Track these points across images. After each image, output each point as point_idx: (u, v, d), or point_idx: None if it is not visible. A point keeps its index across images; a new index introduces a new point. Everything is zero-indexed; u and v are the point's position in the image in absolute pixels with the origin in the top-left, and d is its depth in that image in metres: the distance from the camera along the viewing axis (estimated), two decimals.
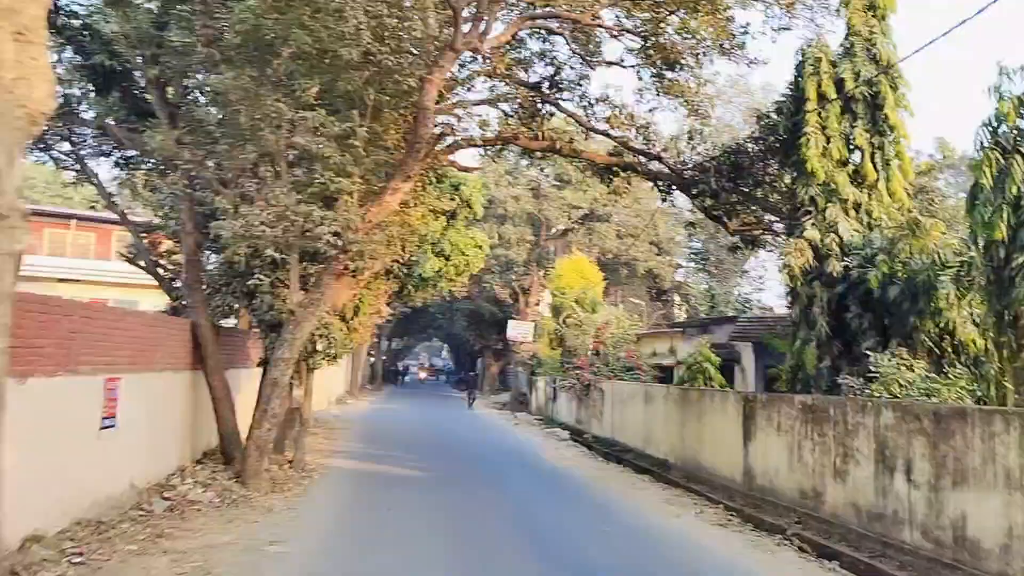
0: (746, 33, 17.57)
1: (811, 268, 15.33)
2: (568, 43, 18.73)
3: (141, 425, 13.27)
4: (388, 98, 15.55)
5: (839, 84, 15.83)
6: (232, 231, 13.93)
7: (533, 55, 19.77)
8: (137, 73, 16.04)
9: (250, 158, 14.49)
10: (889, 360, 13.25)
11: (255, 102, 13.87)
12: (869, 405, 12.02)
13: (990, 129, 11.01)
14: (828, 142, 15.71)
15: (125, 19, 14.80)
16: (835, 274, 14.84)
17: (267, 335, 16.98)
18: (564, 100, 19.85)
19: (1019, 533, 8.91)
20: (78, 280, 32.62)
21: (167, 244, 18.86)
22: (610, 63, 19.33)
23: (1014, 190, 10.56)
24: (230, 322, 20.92)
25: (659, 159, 19.63)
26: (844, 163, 15.89)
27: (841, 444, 12.52)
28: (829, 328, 15.05)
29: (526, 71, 19.69)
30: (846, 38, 16.16)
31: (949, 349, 13.63)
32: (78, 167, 17.24)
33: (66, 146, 17.25)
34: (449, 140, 18.42)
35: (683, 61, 18.44)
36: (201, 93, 16.66)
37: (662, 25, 17.79)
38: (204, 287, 17.00)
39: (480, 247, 31.72)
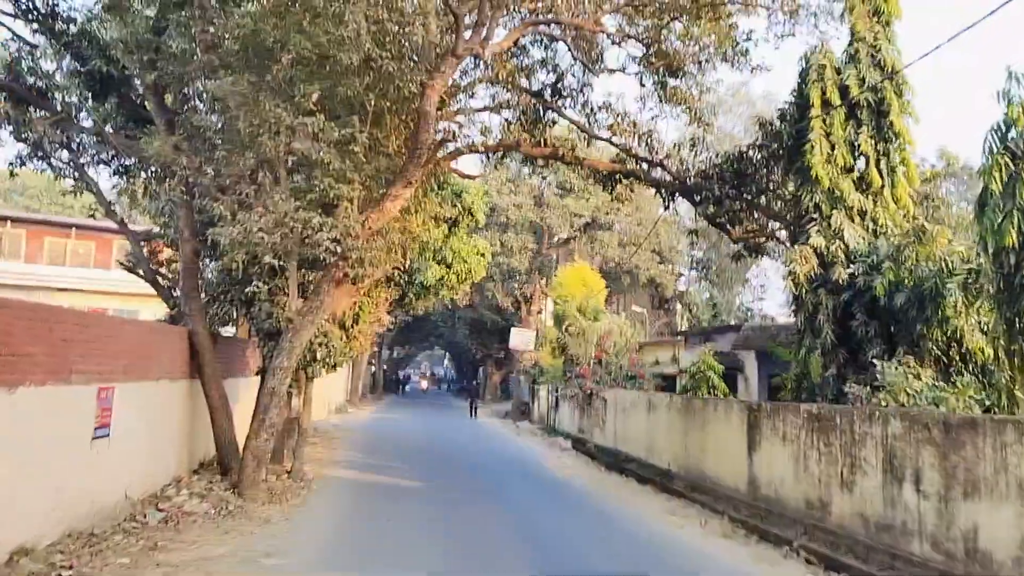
0: (749, 40, 17.44)
1: (816, 275, 15.16)
2: (570, 50, 18.58)
3: (136, 435, 13.13)
4: (389, 104, 15.42)
5: (843, 90, 15.67)
6: (230, 238, 13.78)
7: (535, 62, 19.62)
8: (135, 80, 15.91)
9: (249, 164, 14.35)
10: (896, 369, 13.04)
11: (254, 108, 13.74)
12: (877, 414, 11.82)
13: (999, 134, 10.80)
14: (833, 148, 15.54)
15: (123, 24, 14.69)
16: (841, 281, 14.64)
17: (265, 343, 16.83)
18: (566, 107, 19.69)
19: None
20: (78, 289, 32.64)
21: (167, 253, 18.72)
22: (612, 70, 19.17)
23: None
24: (229, 331, 20.78)
25: (662, 166, 19.45)
26: (849, 170, 15.71)
27: (848, 454, 12.32)
28: (834, 336, 14.85)
29: (528, 78, 19.52)
30: (850, 44, 16.01)
31: (956, 357, 13.42)
32: (77, 175, 17.07)
33: (65, 154, 17.06)
34: (451, 147, 18.26)
35: (686, 68, 18.29)
36: (200, 99, 16.54)
37: (664, 32, 17.65)
38: (202, 295, 16.85)
39: (482, 255, 31.45)
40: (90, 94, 16.38)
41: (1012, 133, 10.79)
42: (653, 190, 23.26)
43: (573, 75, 19.65)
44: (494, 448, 29.88)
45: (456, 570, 11.26)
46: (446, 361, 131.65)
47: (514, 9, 17.16)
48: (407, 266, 20.48)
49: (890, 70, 15.37)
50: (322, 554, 11.58)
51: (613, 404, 26.69)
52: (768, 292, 57.46)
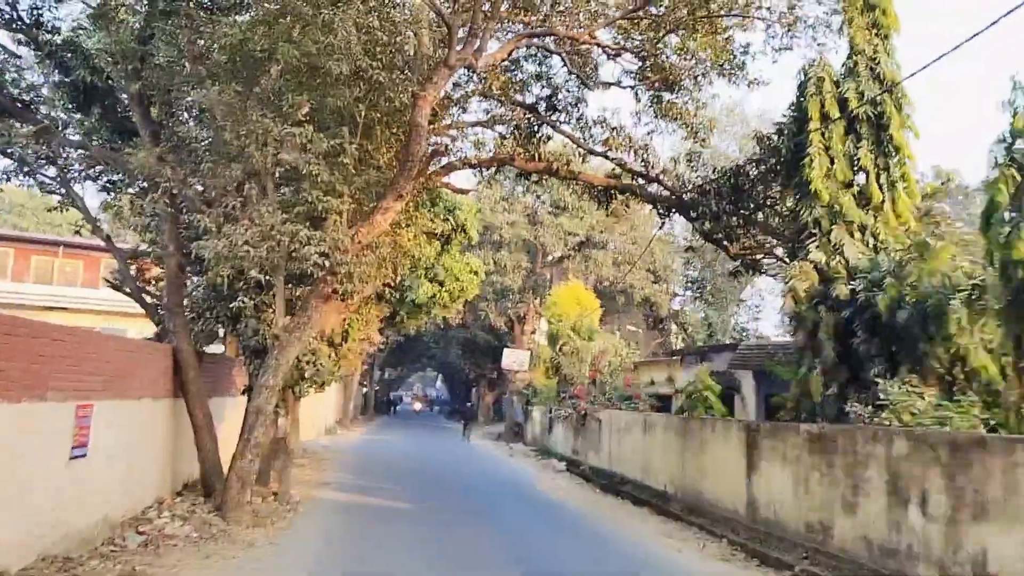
0: (746, 53, 17.22)
1: (816, 292, 14.82)
2: (565, 63, 18.33)
3: (116, 455, 12.73)
4: (379, 115, 15.16)
5: (843, 104, 15.39)
6: (215, 251, 13.46)
7: (530, 76, 19.38)
8: (120, 91, 15.60)
9: (235, 176, 14.04)
10: (899, 387, 12.70)
11: (241, 118, 13.44)
12: (880, 434, 11.51)
13: (1005, 145, 10.53)
14: (832, 163, 15.25)
15: (107, 34, 14.40)
16: (841, 298, 14.30)
17: (252, 361, 16.47)
18: (561, 122, 19.43)
19: None
20: (65, 308, 32.24)
21: (155, 271, 18.35)
22: (608, 84, 18.92)
23: None
24: (217, 348, 20.40)
25: (658, 181, 19.19)
26: (849, 184, 15.41)
27: (851, 475, 12.02)
28: (835, 354, 14.49)
29: (522, 92, 19.26)
30: (849, 57, 15.75)
31: (960, 376, 13.05)
32: (63, 191, 16.72)
33: (51, 170, 16.72)
34: (443, 161, 17.98)
35: (682, 83, 18.05)
36: (186, 110, 16.22)
37: (660, 45, 17.41)
38: (187, 311, 16.48)
39: (475, 273, 31.25)
40: (74, 106, 16.06)
41: (1019, 144, 10.52)
42: (648, 207, 23.05)
43: (568, 90, 19.44)
44: (486, 469, 29.47)
45: None
46: (439, 382, 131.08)
47: (508, 21, 16.90)
48: (398, 283, 20.16)
49: (889, 83, 15.11)
50: None
51: (608, 425, 26.37)
52: (763, 312, 57.31)
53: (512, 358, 45.52)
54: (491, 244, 47.24)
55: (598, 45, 17.69)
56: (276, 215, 13.69)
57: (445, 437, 49.77)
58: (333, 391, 41.63)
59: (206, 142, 15.33)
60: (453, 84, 18.06)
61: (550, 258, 51.65)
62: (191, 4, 14.55)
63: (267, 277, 14.70)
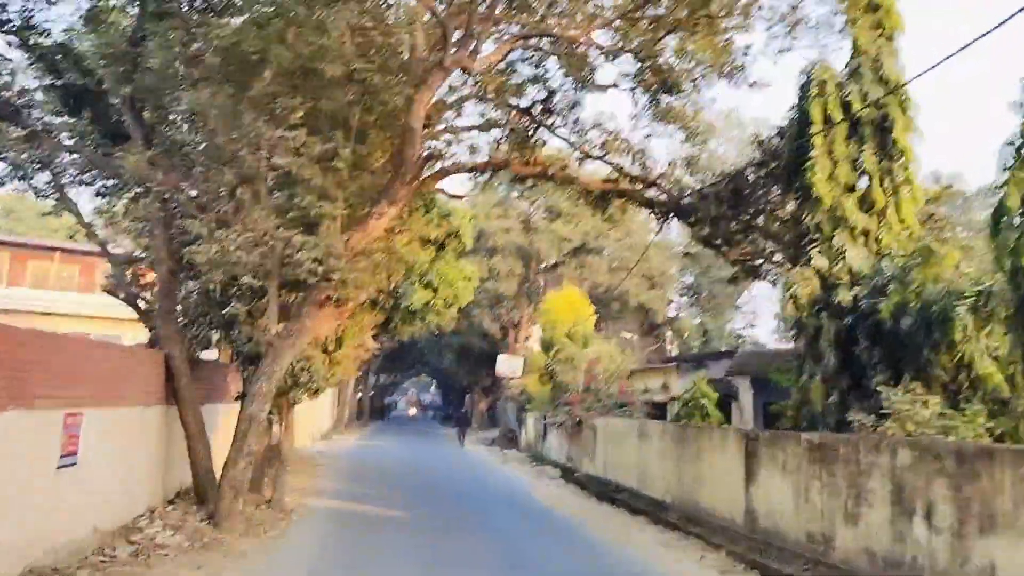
0: (747, 55, 17.03)
1: (818, 298, 14.60)
2: (562, 65, 18.12)
3: (106, 463, 12.51)
4: (374, 119, 14.98)
5: (845, 106, 15.15)
6: (207, 257, 13.28)
7: (526, 79, 19.15)
8: (112, 94, 15.37)
9: (228, 180, 13.82)
10: (903, 396, 12.50)
11: (234, 122, 13.23)
12: (884, 444, 11.31)
13: (1014, 148, 10.34)
14: (835, 166, 15.01)
15: (99, 36, 14.21)
16: (844, 304, 14.09)
17: (245, 368, 16.26)
18: (557, 126, 19.20)
19: None
20: (61, 314, 31.95)
21: (151, 277, 18.12)
22: (605, 87, 18.71)
23: None
24: (212, 355, 20.18)
25: (656, 185, 18.97)
26: (851, 188, 15.18)
27: (853, 485, 11.80)
28: (837, 361, 14.28)
29: (518, 95, 19.04)
30: (852, 58, 15.51)
31: (965, 384, 12.85)
32: (57, 196, 16.49)
33: (46, 175, 16.50)
34: (437, 165, 17.77)
35: (680, 85, 17.84)
36: (178, 114, 16.01)
37: (659, 47, 17.22)
38: (180, 317, 16.25)
39: (469, 279, 31.03)
40: (65, 109, 15.85)
41: None
42: (645, 213, 22.83)
43: (564, 93, 19.24)
44: (481, 476, 29.24)
45: None
46: (433, 388, 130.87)
47: (504, 22, 16.69)
48: (392, 289, 19.93)
49: (893, 85, 14.90)
50: None
51: (603, 432, 26.17)
52: (759, 319, 57.24)
53: (506, 365, 45.40)
54: (485, 250, 47.08)
55: (595, 46, 17.48)
56: (269, 220, 13.53)
57: (439, 443, 49.57)
58: (327, 397, 41.43)
59: (199, 146, 15.11)
60: (448, 87, 17.88)
61: (544, 264, 51.49)
62: (183, 6, 14.35)
63: (260, 283, 14.49)
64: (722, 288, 51.59)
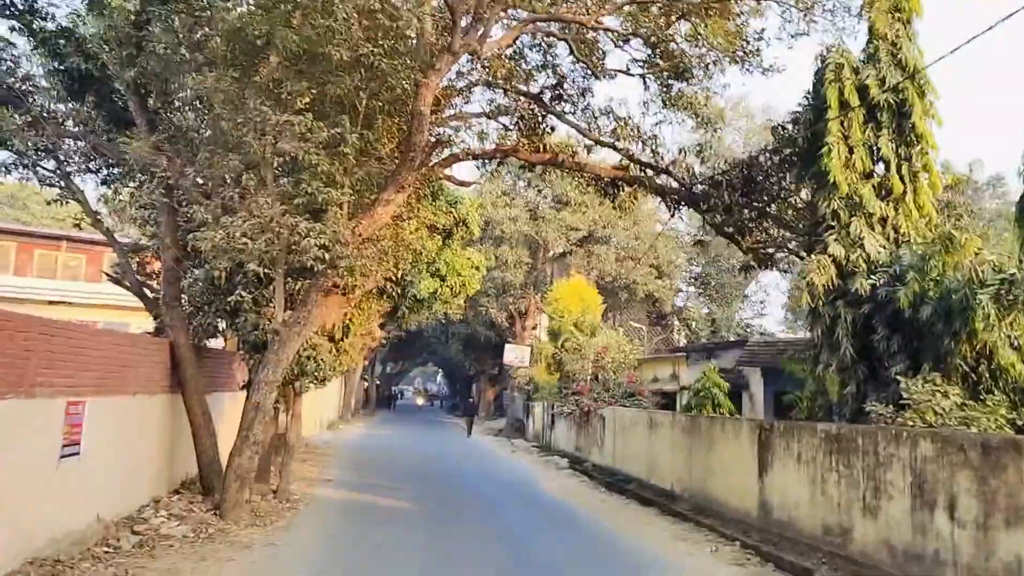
0: (761, 39, 16.69)
1: (834, 287, 14.30)
2: (572, 51, 17.82)
3: (110, 453, 12.36)
4: (381, 104, 14.73)
5: (862, 91, 14.82)
6: (212, 243, 13.07)
7: (535, 66, 18.88)
8: (115, 79, 15.14)
9: (233, 166, 13.59)
10: (922, 386, 12.24)
11: (239, 106, 13.00)
12: (904, 435, 11.06)
13: None
14: (851, 152, 14.68)
15: (102, 19, 13.98)
16: (861, 293, 13.79)
17: (251, 356, 16.04)
18: (567, 112, 18.92)
19: None
20: (68, 303, 31.89)
21: (157, 265, 17.95)
22: (615, 72, 18.42)
23: None
24: (217, 343, 19.99)
25: (668, 172, 18.67)
26: (868, 175, 14.87)
27: (872, 477, 11.58)
28: (854, 351, 14.00)
29: (527, 82, 18.76)
30: (869, 42, 15.19)
31: (986, 374, 12.60)
32: (63, 184, 16.28)
33: (51, 163, 16.30)
34: (445, 152, 17.52)
35: (692, 71, 17.55)
36: (183, 99, 15.77)
37: (670, 31, 16.92)
38: (185, 305, 16.05)
39: (477, 268, 30.79)
40: (68, 94, 15.64)
41: None
42: (653, 202, 22.58)
43: (574, 80, 18.96)
44: (488, 467, 29.03)
45: None
46: (439, 377, 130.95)
47: (513, 6, 16.40)
48: (399, 277, 19.68)
49: (911, 69, 14.57)
50: None
51: (612, 422, 25.97)
52: (768, 308, 56.97)
53: (513, 354, 45.26)
54: (492, 239, 46.82)
55: (606, 30, 17.18)
56: (275, 207, 13.31)
57: (446, 432, 49.40)
58: (334, 386, 41.27)
59: (204, 132, 14.89)
60: (456, 72, 17.62)
61: (552, 253, 51.23)
62: None
63: (266, 270, 14.27)
64: (730, 278, 51.34)
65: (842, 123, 14.79)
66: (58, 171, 16.35)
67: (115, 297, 28.12)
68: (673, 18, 16.47)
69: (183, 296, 16.00)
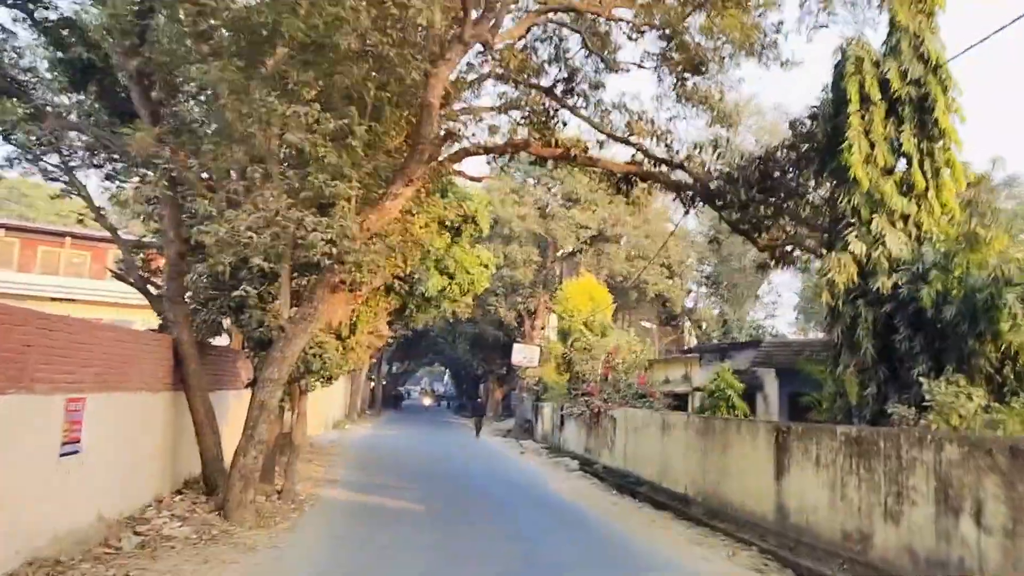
0: (778, 32, 16.34)
1: (854, 285, 13.92)
2: (585, 42, 17.49)
3: (111, 451, 12.10)
4: (389, 96, 14.39)
5: (883, 85, 14.42)
6: (216, 237, 12.72)
7: (546, 61, 18.57)
8: (118, 70, 14.87)
9: (238, 158, 13.28)
10: (945, 388, 11.87)
11: (244, 97, 12.68)
12: (929, 438, 10.73)
13: None
14: (872, 148, 14.27)
15: (104, 7, 13.69)
16: (882, 292, 13.42)
17: (256, 353, 15.80)
18: (579, 106, 18.60)
19: None
20: (72, 299, 31.80)
21: (162, 262, 17.70)
22: (628, 66, 18.08)
23: None
24: (222, 340, 19.75)
25: (682, 168, 18.32)
26: (890, 171, 14.45)
27: (894, 481, 11.25)
28: (874, 352, 13.62)
29: (538, 75, 18.43)
30: (890, 35, 14.78)
31: (1011, 376, 12.23)
32: (66, 179, 16.03)
33: (54, 158, 16.05)
34: (455, 147, 17.21)
35: (707, 64, 17.20)
36: (186, 91, 15.50)
37: (685, 24, 16.58)
38: (189, 301, 15.78)
39: (486, 266, 30.47)
40: (70, 84, 15.37)
41: None
42: (664, 200, 22.25)
43: (586, 74, 18.64)
44: (497, 468, 28.77)
45: None
46: (446, 377, 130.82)
47: None
48: (408, 274, 19.39)
49: (935, 63, 14.18)
50: None
51: (623, 423, 25.68)
52: (779, 309, 56.65)
53: (522, 354, 45.01)
54: (501, 237, 46.53)
55: (620, 20, 16.84)
56: (281, 200, 12.99)
57: (454, 433, 49.18)
58: (340, 385, 41.07)
59: (208, 123, 14.61)
60: (466, 64, 17.32)
61: (561, 252, 50.90)
62: None
63: (272, 266, 13.98)
64: (742, 278, 50.98)
65: (863, 117, 14.41)
66: (62, 165, 16.10)
67: (120, 294, 28.03)
68: (688, 9, 16.09)
69: (187, 292, 15.74)
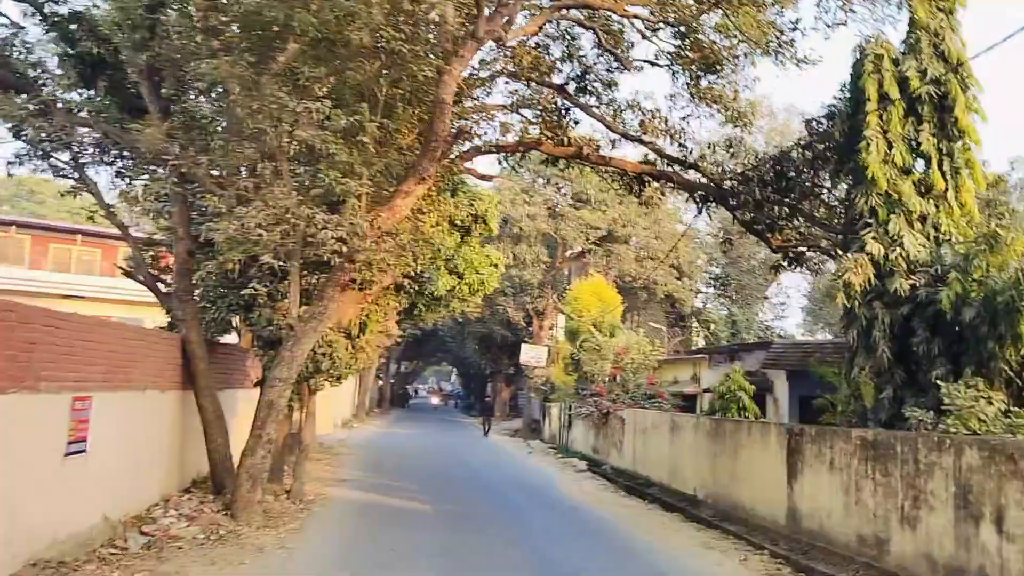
0: (796, 29, 16.15)
1: (871, 287, 13.71)
2: (599, 39, 17.33)
3: (118, 450, 12.00)
4: (402, 92, 14.28)
5: (902, 83, 14.18)
6: (226, 234, 12.63)
7: (559, 59, 18.41)
8: (128, 65, 14.75)
9: (248, 155, 13.17)
10: (964, 391, 11.68)
11: (255, 93, 12.56)
12: (948, 443, 10.54)
13: None
14: (890, 147, 14.02)
15: (114, 2, 13.60)
16: (900, 294, 13.22)
17: (265, 352, 15.67)
18: (592, 105, 18.44)
19: None
20: (82, 297, 31.78)
21: (172, 260, 17.61)
22: (642, 64, 17.95)
23: None
24: (230, 339, 19.65)
25: (696, 167, 18.16)
26: (908, 171, 14.23)
27: (911, 486, 11.07)
28: (891, 354, 13.40)
29: (551, 74, 18.27)
30: (909, 33, 14.55)
31: None
32: (76, 175, 15.93)
33: (65, 155, 15.95)
34: (467, 145, 17.06)
35: (722, 63, 17.03)
36: (196, 87, 15.38)
37: (700, 22, 16.41)
38: (197, 299, 15.66)
39: (495, 266, 30.25)
40: (80, 80, 15.26)
41: None
42: (675, 202, 22.08)
43: (599, 73, 18.47)
44: (505, 469, 28.66)
45: None
46: (453, 376, 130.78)
47: None
48: (417, 273, 19.24)
49: (955, 61, 13.97)
50: None
51: (631, 424, 25.53)
52: (788, 311, 56.48)
53: (530, 354, 44.91)
54: (510, 237, 46.37)
55: (634, 17, 16.68)
56: (291, 197, 12.89)
57: (461, 432, 49.09)
58: (349, 384, 41.01)
59: (218, 119, 14.50)
60: (479, 61, 17.18)
61: (570, 252, 50.71)
62: None
63: (281, 264, 13.90)
64: (752, 279, 50.75)
65: (881, 116, 14.19)
66: (71, 162, 15.99)
67: (130, 292, 28.00)
68: (704, 6, 15.92)
69: (196, 290, 15.63)
